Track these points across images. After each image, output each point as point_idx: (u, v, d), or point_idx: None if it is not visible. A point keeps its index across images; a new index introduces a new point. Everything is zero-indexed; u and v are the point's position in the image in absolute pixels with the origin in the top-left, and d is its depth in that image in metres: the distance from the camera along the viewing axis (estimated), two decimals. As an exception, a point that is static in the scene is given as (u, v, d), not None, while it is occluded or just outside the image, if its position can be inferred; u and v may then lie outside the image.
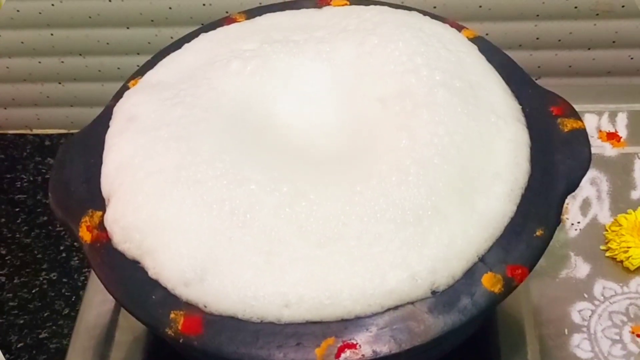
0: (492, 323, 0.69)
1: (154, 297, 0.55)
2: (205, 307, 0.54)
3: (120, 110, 0.64)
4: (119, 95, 0.68)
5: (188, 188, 0.57)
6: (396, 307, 0.53)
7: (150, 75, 0.68)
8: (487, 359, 0.69)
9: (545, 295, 0.73)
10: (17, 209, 1.08)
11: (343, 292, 0.53)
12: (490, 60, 0.67)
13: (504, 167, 0.58)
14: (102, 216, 0.59)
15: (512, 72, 0.67)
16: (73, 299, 0.96)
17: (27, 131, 1.17)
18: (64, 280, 0.99)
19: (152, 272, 0.56)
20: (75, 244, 1.00)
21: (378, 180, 0.56)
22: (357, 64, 0.64)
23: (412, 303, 0.53)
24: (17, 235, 1.04)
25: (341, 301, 0.53)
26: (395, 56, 0.63)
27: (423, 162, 0.56)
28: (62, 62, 1.11)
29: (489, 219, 0.56)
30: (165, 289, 0.55)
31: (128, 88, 0.68)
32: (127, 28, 1.04)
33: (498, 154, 0.59)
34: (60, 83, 1.14)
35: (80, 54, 1.11)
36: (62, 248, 1.03)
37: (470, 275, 0.54)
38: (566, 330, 0.71)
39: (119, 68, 1.09)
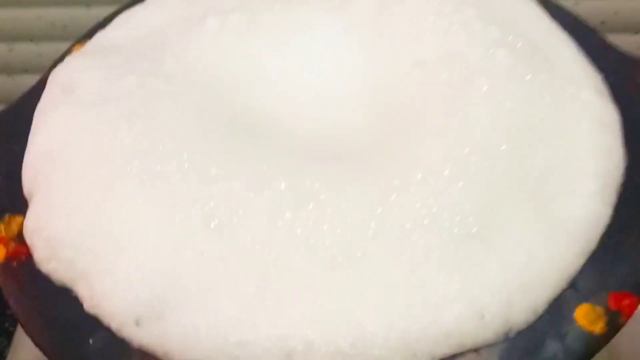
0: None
1: (91, 341, 0.37)
2: (167, 356, 0.36)
3: (55, 79, 0.47)
4: (57, 63, 0.50)
5: (142, 185, 0.39)
6: (453, 357, 0.36)
7: (100, 36, 0.51)
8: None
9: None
10: None
11: (374, 336, 0.35)
12: (553, 17, 0.50)
13: (592, 156, 0.41)
14: (23, 223, 0.42)
15: (583, 32, 0.50)
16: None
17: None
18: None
19: (89, 305, 0.38)
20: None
21: (425, 174, 0.39)
22: (381, 17, 0.47)
23: (476, 351, 0.36)
24: None
25: (371, 349, 0.35)
26: (435, 5, 0.46)
27: (486, 150, 0.39)
28: (11, 50, 0.92)
29: (576, 228, 0.39)
30: (107, 329, 0.37)
31: (71, 53, 0.51)
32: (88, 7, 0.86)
33: (582, 138, 0.42)
34: (9, 75, 0.96)
35: (31, 40, 0.92)
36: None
37: (558, 308, 0.37)
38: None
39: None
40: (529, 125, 0.41)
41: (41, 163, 0.42)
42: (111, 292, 0.37)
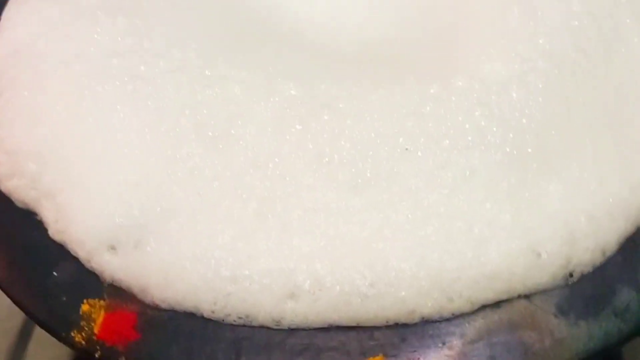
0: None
1: (55, 273, 0.30)
2: (145, 292, 0.29)
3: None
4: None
5: (123, 87, 0.33)
6: (498, 304, 0.28)
7: None
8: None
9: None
10: None
11: (400, 274, 0.28)
12: None
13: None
14: (-19, 135, 0.35)
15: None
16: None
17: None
18: None
19: (55, 230, 0.31)
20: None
21: (470, 80, 0.31)
22: None
23: (527, 297, 0.28)
24: None
25: (395, 290, 0.28)
26: None
27: (551, 56, 0.32)
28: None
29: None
30: (75, 259, 0.30)
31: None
32: None
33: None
34: None
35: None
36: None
37: (633, 248, 0.29)
38: None
39: None
40: (603, 34, 0.33)
41: (5, 64, 0.35)
42: (81, 213, 0.31)
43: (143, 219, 0.30)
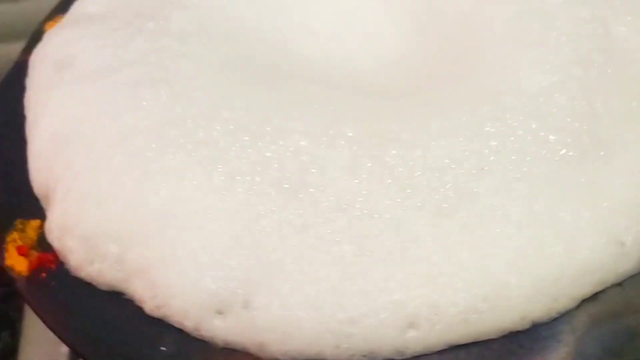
0: None
1: (163, 348, 0.30)
2: (263, 349, 0.30)
3: (43, 58, 0.39)
4: (33, 45, 0.42)
5: (188, 155, 0.33)
6: (595, 296, 0.31)
7: (79, 6, 0.43)
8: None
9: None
10: None
11: (507, 286, 0.30)
12: None
13: None
14: (42, 226, 0.34)
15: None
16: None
17: None
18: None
19: (152, 305, 0.31)
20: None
21: (515, 93, 0.34)
22: None
23: (619, 285, 0.31)
24: None
25: (506, 301, 0.29)
26: None
27: (580, 60, 0.35)
28: None
29: None
30: (179, 331, 0.30)
31: (44, 32, 0.43)
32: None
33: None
34: None
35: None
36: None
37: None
38: None
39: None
40: (611, 34, 0.36)
41: (53, 152, 0.35)
42: (179, 284, 0.31)
43: (246, 278, 0.30)
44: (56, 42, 0.40)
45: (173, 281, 0.31)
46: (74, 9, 0.43)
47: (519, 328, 0.30)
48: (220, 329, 0.30)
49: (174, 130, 0.34)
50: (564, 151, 0.32)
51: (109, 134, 0.34)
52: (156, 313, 0.31)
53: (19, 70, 0.42)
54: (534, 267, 0.30)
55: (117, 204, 0.32)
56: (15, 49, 0.44)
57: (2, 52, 0.61)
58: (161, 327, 0.31)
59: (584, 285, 0.30)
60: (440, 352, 0.30)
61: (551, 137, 0.32)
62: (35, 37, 0.44)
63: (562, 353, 0.29)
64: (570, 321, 0.30)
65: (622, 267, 0.31)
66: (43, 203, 0.35)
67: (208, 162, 0.33)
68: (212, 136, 0.34)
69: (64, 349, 0.44)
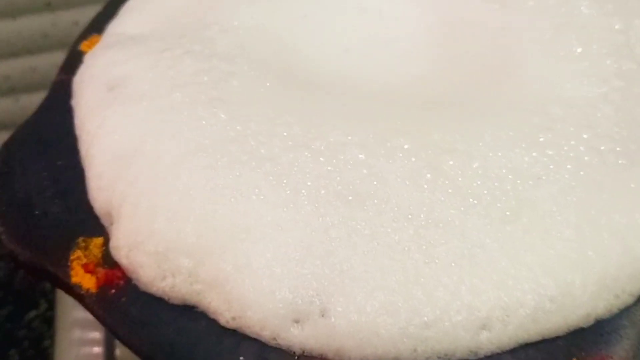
0: None
1: (241, 358, 0.31)
2: (341, 355, 0.31)
3: (91, 79, 0.40)
4: (72, 64, 0.43)
5: (253, 171, 0.34)
6: None
7: (117, 26, 0.44)
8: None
9: None
10: None
11: (572, 285, 0.31)
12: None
13: None
14: (106, 243, 0.35)
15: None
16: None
17: None
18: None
19: (228, 317, 0.32)
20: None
21: (564, 104, 0.35)
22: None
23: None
24: None
25: (572, 301, 0.31)
26: None
27: (621, 73, 0.37)
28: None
29: None
30: (256, 341, 0.31)
31: (82, 53, 0.44)
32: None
33: None
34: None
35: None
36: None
37: None
38: None
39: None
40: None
41: (116, 170, 0.36)
42: (254, 296, 0.32)
43: (321, 287, 0.32)
44: (103, 63, 0.41)
45: (249, 292, 0.32)
46: (111, 30, 0.44)
47: (584, 325, 0.32)
48: (298, 337, 0.31)
49: (236, 147, 0.35)
50: (614, 159, 0.34)
51: (173, 152, 0.35)
52: (232, 325, 0.32)
53: (60, 90, 0.43)
54: (595, 267, 0.32)
55: (187, 219, 0.33)
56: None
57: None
58: (238, 338, 0.32)
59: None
60: (512, 351, 0.31)
61: (602, 146, 0.34)
62: (72, 57, 0.44)
63: (626, 345, 0.31)
64: (630, 316, 0.32)
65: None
66: (104, 221, 0.36)
67: (273, 177, 0.34)
68: (274, 152, 0.35)
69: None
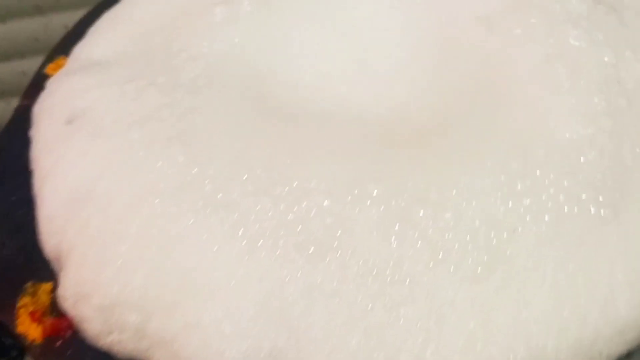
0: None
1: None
2: None
3: (50, 108, 0.38)
4: (34, 89, 0.41)
5: (207, 217, 0.32)
6: (630, 355, 0.31)
7: (82, 50, 0.42)
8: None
9: None
10: None
11: (543, 351, 0.29)
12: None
13: None
14: (54, 290, 0.33)
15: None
16: None
17: None
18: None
19: (177, 378, 0.30)
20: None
21: (548, 147, 0.33)
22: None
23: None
24: None
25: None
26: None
27: (609, 111, 0.34)
28: None
29: None
30: (206, 402, 0.29)
31: (46, 76, 0.42)
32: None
33: None
34: None
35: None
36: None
37: None
38: None
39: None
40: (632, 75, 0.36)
41: (67, 214, 0.34)
42: (203, 355, 0.30)
43: (275, 348, 0.29)
44: (63, 92, 0.39)
45: (197, 352, 0.30)
46: (77, 53, 0.42)
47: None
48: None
49: (191, 192, 0.33)
50: (595, 209, 0.31)
51: (125, 197, 0.33)
52: (181, 385, 0.30)
53: (21, 116, 0.41)
54: (571, 329, 0.29)
55: (136, 272, 0.31)
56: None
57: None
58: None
59: (619, 344, 0.30)
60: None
61: (583, 195, 0.32)
62: (37, 81, 0.42)
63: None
64: None
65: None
66: (55, 266, 0.34)
67: (229, 226, 0.32)
68: (232, 198, 0.32)
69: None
